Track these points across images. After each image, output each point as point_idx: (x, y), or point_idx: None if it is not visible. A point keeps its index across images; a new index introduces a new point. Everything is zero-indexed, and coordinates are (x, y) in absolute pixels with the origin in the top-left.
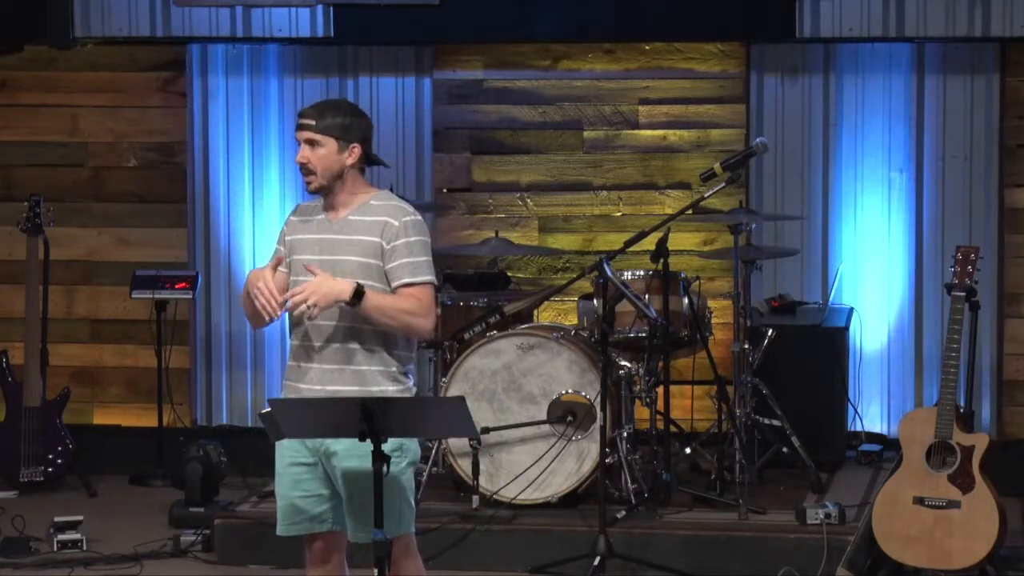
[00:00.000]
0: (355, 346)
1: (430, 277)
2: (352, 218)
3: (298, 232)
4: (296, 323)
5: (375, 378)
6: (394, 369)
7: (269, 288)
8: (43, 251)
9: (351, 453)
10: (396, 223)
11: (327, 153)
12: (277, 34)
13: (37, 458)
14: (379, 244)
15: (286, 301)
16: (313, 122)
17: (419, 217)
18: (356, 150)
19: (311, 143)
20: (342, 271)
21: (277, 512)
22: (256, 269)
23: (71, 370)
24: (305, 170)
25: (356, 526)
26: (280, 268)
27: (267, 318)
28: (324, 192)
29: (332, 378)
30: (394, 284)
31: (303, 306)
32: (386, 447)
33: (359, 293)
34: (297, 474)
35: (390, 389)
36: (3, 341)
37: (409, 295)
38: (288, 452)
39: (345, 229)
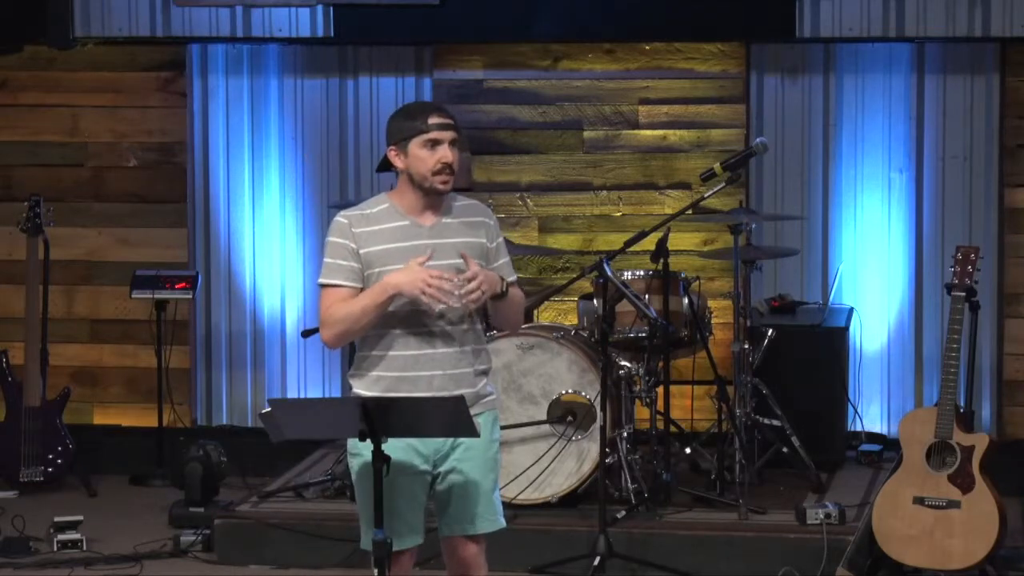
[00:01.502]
0: (470, 348)
1: None
2: (448, 220)
3: (377, 243)
4: (393, 329)
5: (482, 379)
6: (487, 365)
7: (442, 275)
8: (43, 251)
9: (472, 444)
10: (491, 222)
11: (458, 155)
12: (277, 34)
13: (37, 458)
14: (483, 244)
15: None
16: (454, 122)
17: None
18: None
19: (454, 143)
20: (454, 275)
21: (369, 527)
22: (396, 273)
23: (71, 370)
24: (448, 169)
25: (489, 513)
26: (351, 282)
27: (442, 306)
28: (437, 196)
29: (459, 381)
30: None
31: (476, 294)
32: (490, 438)
33: (507, 285)
34: (406, 483)
35: (485, 381)
36: (3, 341)
37: (519, 291)
38: (395, 462)
39: (445, 232)
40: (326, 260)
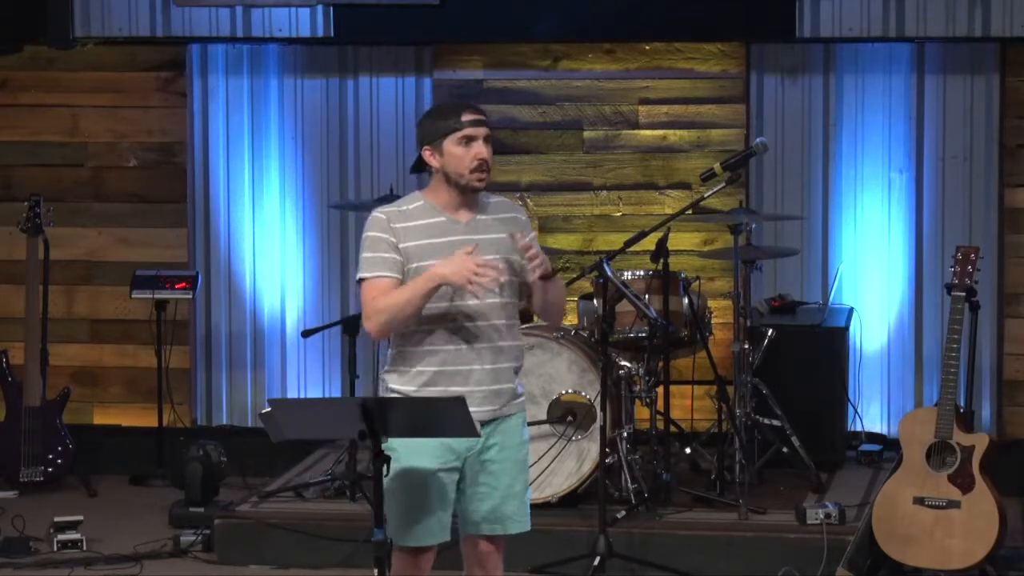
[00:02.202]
0: (508, 343)
1: None
2: (483, 217)
3: (416, 238)
4: (433, 324)
5: (518, 377)
6: (521, 362)
7: (488, 264)
8: (43, 251)
9: (507, 443)
10: (523, 218)
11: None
12: (277, 34)
13: (37, 458)
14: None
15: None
16: (486, 119)
17: None
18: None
19: (486, 139)
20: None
21: (400, 521)
22: (443, 262)
23: (71, 370)
24: (485, 167)
25: (519, 515)
26: (393, 273)
27: (481, 289)
28: (472, 193)
29: (498, 376)
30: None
31: (538, 259)
32: (522, 439)
33: (554, 271)
34: (441, 480)
35: (519, 380)
36: (3, 341)
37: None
38: (429, 458)
39: (481, 229)
40: (365, 255)
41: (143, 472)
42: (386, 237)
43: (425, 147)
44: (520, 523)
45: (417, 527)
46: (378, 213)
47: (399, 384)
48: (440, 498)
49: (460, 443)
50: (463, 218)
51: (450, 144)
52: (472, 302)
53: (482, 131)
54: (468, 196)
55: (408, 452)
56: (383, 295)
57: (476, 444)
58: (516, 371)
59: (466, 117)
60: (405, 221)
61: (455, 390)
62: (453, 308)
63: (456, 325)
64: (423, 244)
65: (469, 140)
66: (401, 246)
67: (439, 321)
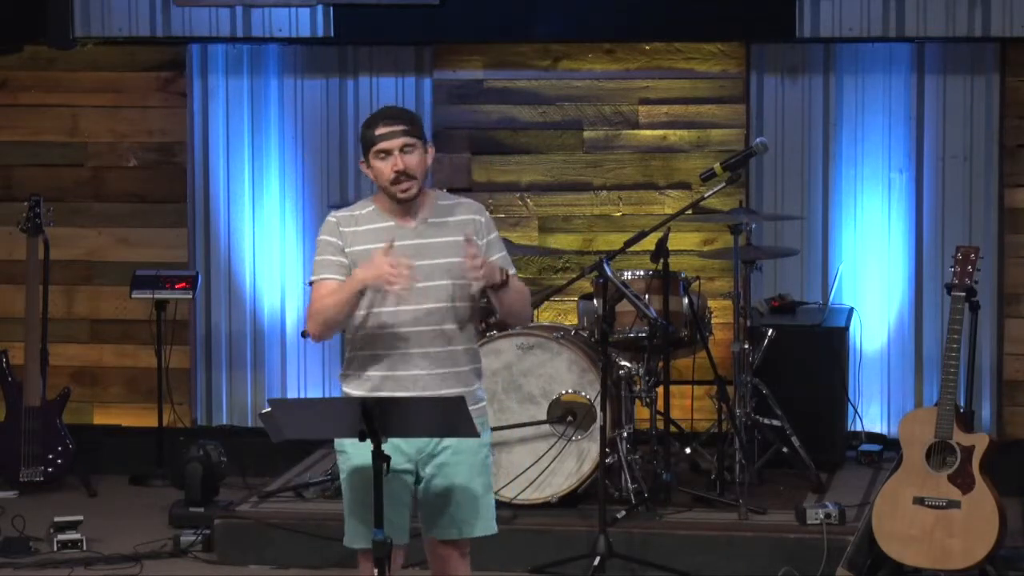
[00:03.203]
0: (460, 347)
1: None
2: (434, 220)
3: (362, 243)
4: (379, 329)
5: (475, 381)
6: (478, 365)
7: (394, 260)
8: (43, 251)
9: (461, 448)
10: (482, 219)
11: (420, 156)
12: (277, 34)
13: (37, 458)
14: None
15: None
16: (405, 126)
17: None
18: (432, 151)
19: (405, 148)
20: (440, 274)
21: (351, 523)
22: (363, 266)
23: (71, 370)
24: (405, 177)
25: (462, 521)
26: (339, 276)
27: (397, 287)
28: (408, 201)
29: (447, 381)
30: None
31: (481, 271)
32: (479, 442)
33: (507, 276)
34: (390, 482)
35: (477, 384)
36: (3, 341)
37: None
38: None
39: (430, 233)
40: (316, 258)
41: (143, 472)
42: (333, 241)
43: (361, 161)
44: (479, 526)
45: (364, 529)
46: (331, 216)
47: (351, 389)
48: (391, 500)
49: (410, 445)
50: (411, 223)
51: (373, 158)
52: (413, 307)
53: (397, 142)
54: (418, 200)
55: (357, 453)
56: (323, 298)
57: (427, 446)
58: (474, 374)
59: (379, 131)
60: (355, 225)
61: (401, 395)
62: (401, 313)
63: (403, 330)
64: (369, 249)
65: (386, 154)
66: (348, 250)
67: (385, 327)
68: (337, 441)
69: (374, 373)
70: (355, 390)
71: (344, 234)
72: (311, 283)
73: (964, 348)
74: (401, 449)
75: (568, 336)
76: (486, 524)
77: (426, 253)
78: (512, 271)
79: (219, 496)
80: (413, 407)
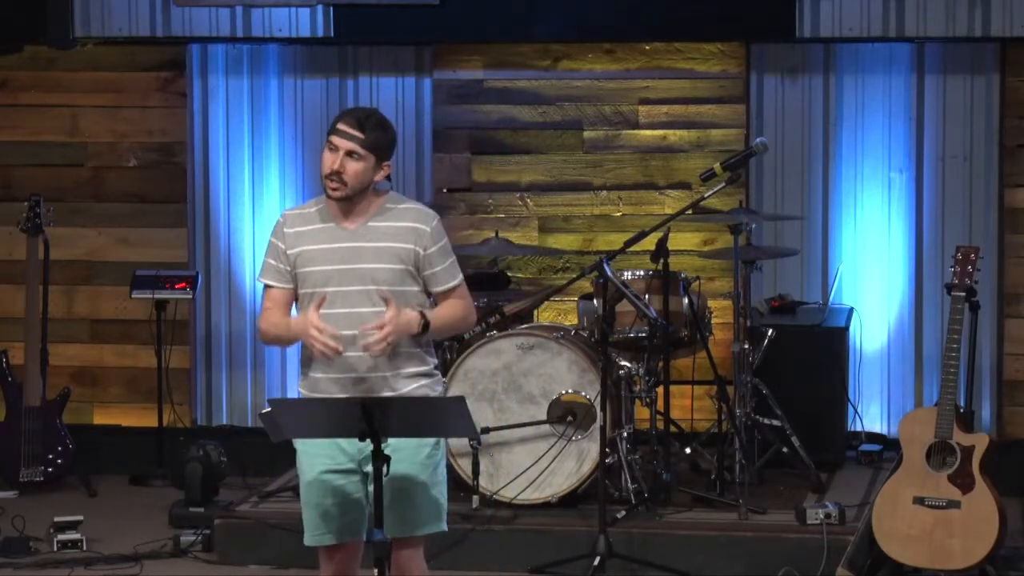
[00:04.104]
0: (406, 349)
1: (461, 274)
2: (375, 224)
3: (303, 243)
4: (321, 356)
5: (411, 382)
6: (431, 366)
7: (326, 331)
8: (43, 251)
9: (400, 446)
10: (427, 228)
11: (365, 168)
12: (277, 34)
13: (37, 458)
14: (413, 250)
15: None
16: (362, 136)
17: (438, 216)
18: (387, 169)
19: (351, 154)
20: (372, 278)
21: (305, 522)
22: (299, 318)
23: (71, 370)
24: (335, 177)
25: (403, 519)
26: (279, 283)
27: (330, 357)
28: (344, 201)
29: (389, 384)
30: (436, 289)
31: (382, 345)
32: (419, 440)
33: (426, 324)
34: (331, 480)
35: (424, 382)
36: (3, 341)
37: (456, 300)
38: (322, 460)
39: (368, 236)
40: (265, 257)
41: (143, 472)
42: (277, 243)
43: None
44: (423, 524)
45: (312, 526)
46: (281, 215)
47: (302, 387)
48: (337, 499)
49: (352, 444)
50: (351, 225)
51: (326, 144)
52: (343, 310)
53: (346, 144)
54: (358, 205)
55: (304, 453)
56: (269, 309)
57: (368, 445)
58: (410, 377)
59: (340, 126)
60: (300, 225)
61: (340, 395)
62: (331, 316)
63: (341, 334)
64: (309, 250)
65: (333, 148)
66: (289, 252)
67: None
68: (295, 440)
69: (316, 374)
70: (304, 389)
71: (287, 235)
72: (259, 280)
73: (964, 348)
74: (343, 449)
75: (568, 336)
76: (432, 522)
77: (362, 256)
78: (454, 281)
79: (219, 496)
80: (413, 407)
